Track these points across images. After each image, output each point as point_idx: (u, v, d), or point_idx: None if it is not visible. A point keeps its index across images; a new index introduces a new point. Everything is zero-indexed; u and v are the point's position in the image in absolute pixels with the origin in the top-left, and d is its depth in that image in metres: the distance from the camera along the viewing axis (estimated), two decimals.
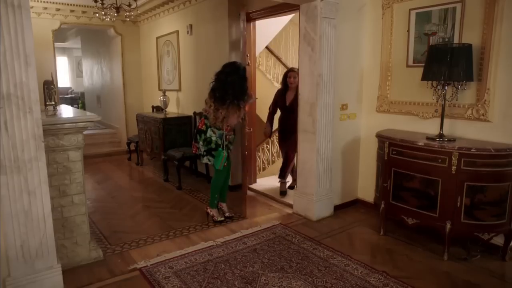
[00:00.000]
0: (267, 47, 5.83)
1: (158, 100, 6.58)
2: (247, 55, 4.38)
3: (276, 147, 6.27)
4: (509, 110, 3.02)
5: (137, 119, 6.72)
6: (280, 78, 5.89)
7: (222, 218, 3.88)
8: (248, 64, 4.49)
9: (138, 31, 7.83)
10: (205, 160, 3.80)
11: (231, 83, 3.56)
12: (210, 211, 3.89)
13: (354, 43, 4.05)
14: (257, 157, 6.00)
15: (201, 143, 3.76)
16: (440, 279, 2.79)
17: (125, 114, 7.87)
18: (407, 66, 3.70)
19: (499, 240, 3.10)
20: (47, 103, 3.43)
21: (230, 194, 4.31)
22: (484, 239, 3.02)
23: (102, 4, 5.30)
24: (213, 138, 3.69)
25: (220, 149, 3.69)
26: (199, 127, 3.78)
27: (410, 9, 3.61)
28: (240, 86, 3.61)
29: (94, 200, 4.75)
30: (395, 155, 3.34)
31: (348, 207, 4.28)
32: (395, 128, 3.81)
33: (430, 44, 3.44)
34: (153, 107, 6.81)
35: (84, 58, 10.99)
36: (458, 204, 2.94)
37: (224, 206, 4.02)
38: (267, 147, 6.45)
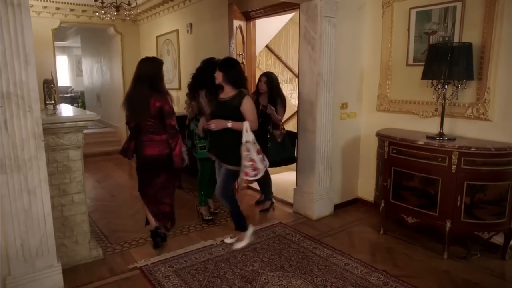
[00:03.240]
0: (267, 46, 5.83)
1: None
2: (240, 54, 4.34)
3: None
4: (509, 109, 3.02)
5: None
6: (280, 77, 5.90)
7: (210, 217, 3.86)
8: (243, 63, 4.47)
9: (138, 30, 7.82)
10: (196, 152, 3.92)
11: (203, 78, 3.62)
12: (199, 209, 3.90)
13: (354, 42, 4.04)
14: None
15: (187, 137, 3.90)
16: (440, 278, 2.80)
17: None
18: (407, 65, 3.70)
19: (499, 239, 3.10)
20: (47, 102, 3.42)
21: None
22: (484, 238, 3.03)
23: (102, 3, 5.30)
24: (196, 131, 3.79)
25: (199, 140, 3.76)
26: (187, 123, 3.90)
27: (410, 8, 3.61)
28: (210, 77, 3.67)
29: (94, 199, 4.75)
30: (395, 154, 3.34)
31: (348, 206, 4.28)
32: (395, 127, 3.81)
33: (430, 43, 3.43)
34: None
35: (84, 57, 10.99)
36: (458, 203, 2.94)
37: (210, 202, 4.03)
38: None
